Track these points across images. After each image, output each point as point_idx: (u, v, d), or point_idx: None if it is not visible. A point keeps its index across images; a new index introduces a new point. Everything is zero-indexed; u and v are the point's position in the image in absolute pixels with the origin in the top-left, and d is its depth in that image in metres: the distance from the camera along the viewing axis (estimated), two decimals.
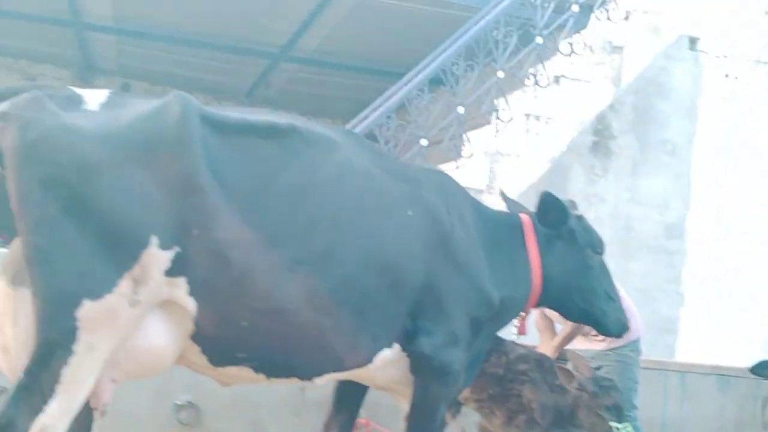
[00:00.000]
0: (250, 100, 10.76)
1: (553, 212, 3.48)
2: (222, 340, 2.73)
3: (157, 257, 2.51)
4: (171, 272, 2.54)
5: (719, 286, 6.34)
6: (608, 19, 6.28)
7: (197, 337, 2.71)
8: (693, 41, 6.53)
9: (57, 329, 2.43)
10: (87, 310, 2.43)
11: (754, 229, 6.49)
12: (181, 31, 8.94)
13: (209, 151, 2.70)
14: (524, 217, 3.56)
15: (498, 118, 5.87)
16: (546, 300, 3.56)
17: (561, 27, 6.11)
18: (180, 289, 2.59)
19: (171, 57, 9.68)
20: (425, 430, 3.24)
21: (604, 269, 3.65)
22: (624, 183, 6.25)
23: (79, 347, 2.43)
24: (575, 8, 6.16)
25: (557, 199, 3.47)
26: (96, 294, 2.44)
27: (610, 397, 3.69)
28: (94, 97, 2.68)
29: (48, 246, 2.44)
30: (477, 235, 3.32)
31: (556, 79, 6.11)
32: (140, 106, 2.73)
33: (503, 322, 3.53)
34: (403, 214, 3.06)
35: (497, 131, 5.88)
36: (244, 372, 2.89)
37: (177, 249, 2.54)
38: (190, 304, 2.60)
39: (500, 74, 5.86)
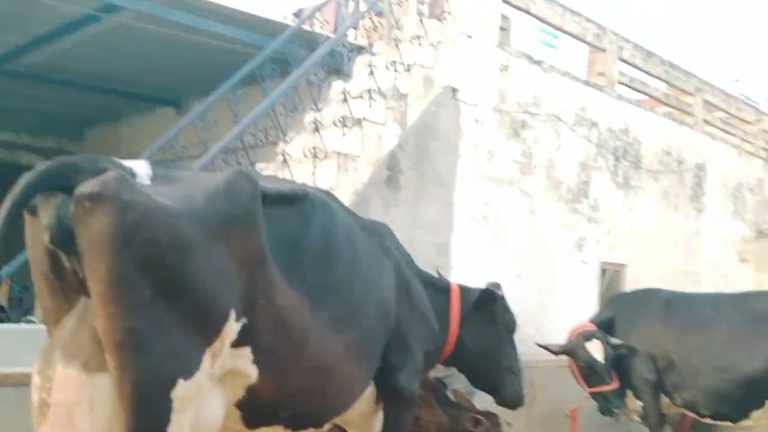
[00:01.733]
0: None
1: (487, 301, 4.35)
2: (271, 402, 3.01)
3: (231, 330, 2.74)
4: (237, 343, 2.79)
5: None
6: (395, 70, 7.29)
7: (244, 402, 2.97)
8: (454, 91, 7.84)
9: (154, 413, 2.50)
10: (182, 390, 2.54)
11: (504, 243, 8.08)
12: None
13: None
14: (455, 287, 4.37)
15: (316, 156, 6.52)
16: (455, 361, 4.38)
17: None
18: (244, 358, 2.86)
19: None
20: None
21: (513, 346, 4.56)
22: (409, 211, 7.32)
23: (173, 428, 2.54)
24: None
25: (495, 293, 4.34)
26: (189, 373, 2.57)
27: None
28: (141, 170, 2.71)
29: (143, 328, 2.46)
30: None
31: (359, 122, 6.94)
32: (203, 182, 2.85)
33: None
34: (383, 266, 3.66)
35: (314, 167, 6.53)
36: (274, 429, 3.22)
37: (244, 320, 2.78)
38: (253, 372, 2.89)
39: (318, 116, 6.55)
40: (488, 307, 4.32)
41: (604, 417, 6.85)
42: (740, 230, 12.21)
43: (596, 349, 6.08)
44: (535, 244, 8.52)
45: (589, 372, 6.14)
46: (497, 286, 4.64)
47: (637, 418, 6.97)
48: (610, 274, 9.67)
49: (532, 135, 8.67)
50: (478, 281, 5.11)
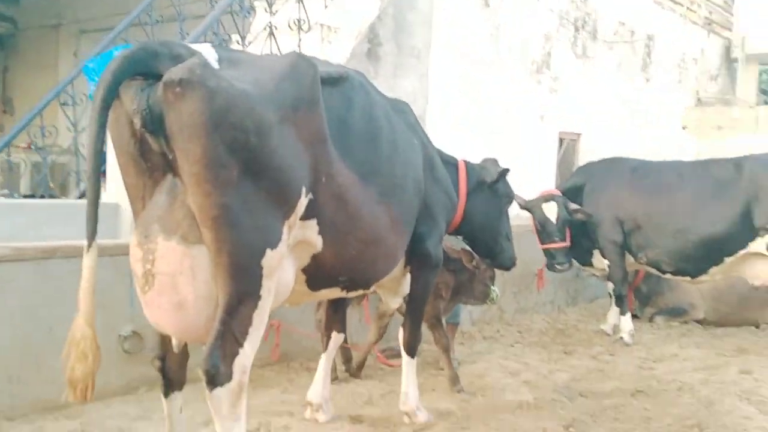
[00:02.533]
0: None
1: (492, 173, 4.61)
2: (332, 268, 3.33)
3: (302, 205, 2.99)
4: (305, 216, 3.06)
5: None
6: None
7: (309, 268, 3.27)
8: None
9: (248, 279, 2.80)
10: (269, 259, 2.84)
11: (477, 116, 8.35)
12: None
13: None
14: (461, 162, 4.61)
15: (300, 27, 6.51)
16: (461, 231, 4.68)
17: None
18: (311, 230, 3.14)
19: None
20: (422, 311, 4.27)
21: (507, 216, 4.88)
22: (388, 83, 7.40)
23: (263, 292, 2.86)
24: None
25: (506, 170, 4.60)
26: (274, 243, 2.86)
27: (491, 270, 5.07)
28: (209, 54, 2.81)
29: (235, 205, 2.68)
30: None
31: None
32: (267, 65, 2.99)
33: None
34: (413, 143, 3.90)
35: (300, 39, 6.53)
36: (333, 292, 3.55)
37: (310, 195, 3.03)
38: (319, 242, 3.18)
39: None
40: (498, 182, 4.62)
41: (567, 274, 7.50)
42: (682, 99, 12.78)
43: (551, 210, 6.69)
44: (504, 117, 8.82)
45: (542, 230, 6.76)
46: (496, 162, 4.94)
47: (597, 274, 7.64)
48: (567, 143, 10.13)
49: (500, 5, 8.76)
50: (453, 151, 5.44)
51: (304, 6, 6.50)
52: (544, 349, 6.34)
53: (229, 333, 2.75)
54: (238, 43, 6.07)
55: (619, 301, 6.85)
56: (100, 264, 4.19)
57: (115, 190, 5.33)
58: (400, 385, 4.95)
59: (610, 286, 7.12)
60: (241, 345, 2.78)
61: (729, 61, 14.08)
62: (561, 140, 9.98)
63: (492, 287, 5.09)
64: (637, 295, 7.89)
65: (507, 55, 8.84)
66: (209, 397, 2.76)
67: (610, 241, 6.76)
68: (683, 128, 12.68)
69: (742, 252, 6.20)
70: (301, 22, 6.47)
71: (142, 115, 2.64)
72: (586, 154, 9.97)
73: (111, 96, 2.60)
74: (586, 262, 7.20)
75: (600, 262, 6.99)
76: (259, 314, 2.85)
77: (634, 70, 11.40)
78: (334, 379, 4.87)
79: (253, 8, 6.19)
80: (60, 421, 3.97)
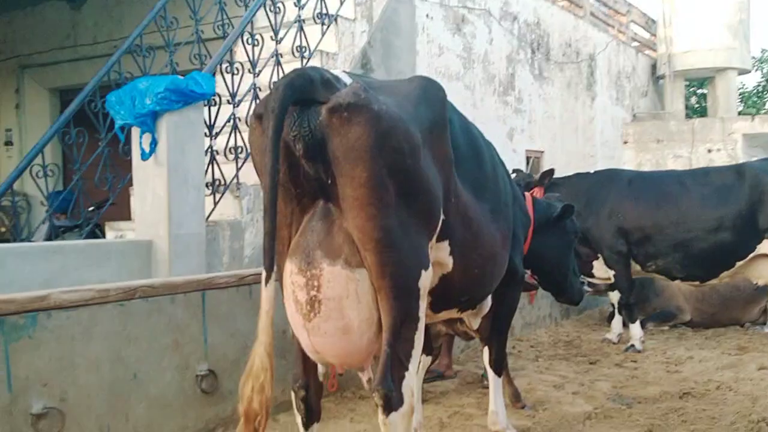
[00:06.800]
0: None
1: (568, 215, 4.67)
2: (458, 288, 3.31)
3: (438, 226, 2.98)
4: (439, 238, 3.06)
5: None
6: None
7: (437, 289, 3.23)
8: None
9: (410, 300, 2.79)
10: (424, 280, 2.86)
11: None
12: None
13: None
14: (528, 195, 4.66)
15: (303, 55, 6.45)
16: (528, 265, 4.70)
17: None
18: (444, 251, 3.14)
19: None
20: (508, 329, 4.27)
21: (573, 252, 4.95)
22: None
23: (421, 313, 2.87)
24: None
25: (574, 207, 4.67)
26: (426, 264, 2.88)
27: None
28: (346, 79, 2.79)
29: (395, 227, 2.68)
30: None
31: (335, 19, 6.89)
32: (399, 89, 2.98)
33: None
34: (495, 158, 3.89)
35: (304, 65, 6.46)
36: (450, 313, 3.52)
37: (443, 217, 3.03)
38: (450, 262, 3.17)
39: (301, 13, 6.44)
40: (567, 219, 4.70)
41: None
42: (621, 115, 13.42)
43: None
44: None
45: None
46: (560, 198, 5.07)
47: (589, 289, 7.85)
48: (533, 160, 10.42)
49: (471, 30, 8.98)
50: None
51: (304, 34, 6.45)
52: (567, 361, 6.44)
53: (396, 356, 2.71)
54: (249, 71, 5.94)
55: (628, 309, 7.05)
56: (174, 302, 4.06)
57: (146, 227, 5.09)
58: (459, 406, 4.96)
59: (613, 296, 7.32)
60: (407, 368, 2.74)
61: (656, 78, 14.89)
62: (528, 158, 10.26)
63: None
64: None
65: (477, 77, 9.05)
66: (385, 423, 2.69)
67: (615, 252, 6.96)
68: (624, 143, 13.28)
69: (751, 255, 6.53)
70: (303, 49, 6.42)
71: (304, 141, 2.57)
72: None
73: (281, 124, 2.53)
74: (586, 272, 7.38)
75: (602, 271, 7.19)
76: (419, 336, 2.82)
77: (580, 89, 11.89)
78: None
79: (261, 36, 6.08)
80: None
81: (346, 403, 4.99)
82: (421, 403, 4.97)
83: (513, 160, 9.78)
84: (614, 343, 7.17)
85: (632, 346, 6.84)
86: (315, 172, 2.64)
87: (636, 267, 7.01)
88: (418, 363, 2.83)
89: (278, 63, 6.21)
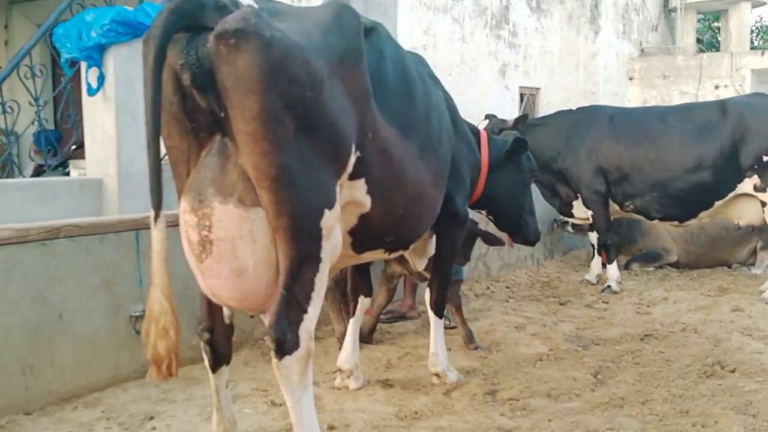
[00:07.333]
0: None
1: (520, 149, 4.48)
2: (379, 229, 3.19)
3: (351, 163, 2.84)
4: (354, 175, 2.91)
5: None
6: None
7: (356, 229, 3.12)
8: None
9: (309, 241, 2.66)
10: (327, 219, 2.71)
11: (439, 72, 8.21)
12: None
13: None
14: (483, 132, 4.47)
15: None
16: (484, 205, 4.56)
17: None
18: (359, 189, 2.99)
19: None
20: (450, 271, 4.16)
21: (530, 190, 4.76)
22: None
23: (323, 254, 2.74)
24: None
25: (527, 141, 4.47)
26: (331, 203, 2.73)
27: None
28: (253, 4, 2.59)
29: (293, 164, 2.53)
30: None
31: None
32: (310, 17, 2.80)
33: None
34: (439, 95, 3.76)
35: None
36: (376, 254, 3.41)
37: (358, 153, 2.89)
38: (367, 201, 3.04)
39: None
40: (520, 154, 4.51)
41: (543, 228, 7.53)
42: (627, 50, 12.97)
43: None
44: (467, 72, 8.73)
45: None
46: (518, 135, 4.87)
47: (571, 230, 7.72)
48: (527, 98, 10.13)
49: None
50: None
51: None
52: (538, 302, 6.35)
53: (293, 299, 2.61)
54: None
55: (606, 249, 6.91)
56: (104, 242, 4.01)
57: (96, 165, 5.01)
58: (413, 347, 4.91)
59: (592, 236, 7.18)
60: (305, 311, 2.65)
61: (668, 10, 14.33)
62: (522, 95, 9.97)
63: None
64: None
65: (467, 10, 8.73)
66: (278, 367, 2.61)
67: (593, 191, 6.79)
68: (630, 79, 12.88)
69: (731, 194, 6.32)
70: None
71: (191, 71, 2.43)
72: (545, 109, 10.00)
73: (164, 53, 2.39)
74: (566, 212, 7.24)
75: (581, 212, 7.03)
76: (320, 278, 2.71)
77: (582, 23, 11.47)
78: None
79: None
80: (80, 411, 3.72)
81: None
82: (376, 344, 4.98)
83: (505, 97, 9.54)
84: (592, 284, 7.05)
85: (608, 287, 6.72)
86: (207, 105, 2.50)
87: (615, 207, 6.84)
88: (319, 305, 2.74)
89: None
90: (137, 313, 4.10)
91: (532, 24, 10.09)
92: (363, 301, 4.15)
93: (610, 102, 11.21)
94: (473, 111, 8.67)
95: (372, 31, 3.20)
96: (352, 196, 2.96)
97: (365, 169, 2.93)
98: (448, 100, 3.96)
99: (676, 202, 6.47)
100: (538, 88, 10.33)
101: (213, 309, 2.94)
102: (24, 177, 6.32)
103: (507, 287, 6.97)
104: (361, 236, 3.16)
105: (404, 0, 7.75)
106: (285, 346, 2.59)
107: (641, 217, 7.08)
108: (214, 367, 3.00)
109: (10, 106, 5.65)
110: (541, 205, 7.56)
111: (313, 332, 2.70)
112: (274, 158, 2.48)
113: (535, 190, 7.25)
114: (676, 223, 6.73)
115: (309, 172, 2.59)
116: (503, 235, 4.92)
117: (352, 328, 4.12)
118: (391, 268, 5.02)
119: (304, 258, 2.63)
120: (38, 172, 7.58)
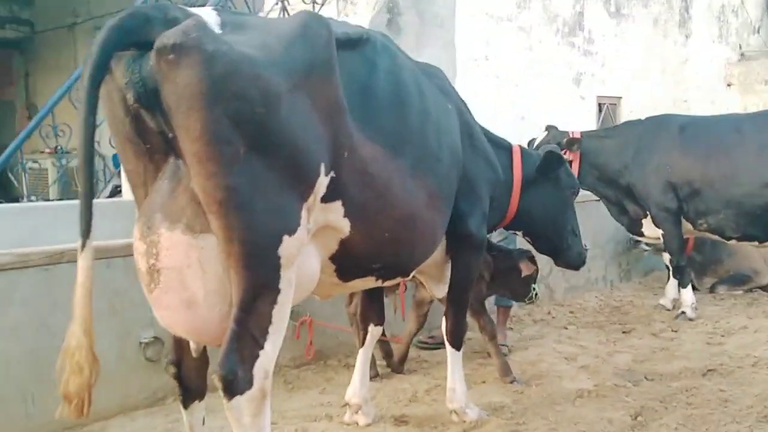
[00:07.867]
0: None
1: (554, 165, 4.14)
2: (364, 254, 2.91)
3: (321, 185, 2.59)
4: (327, 198, 2.65)
5: None
6: None
7: (338, 255, 2.85)
8: None
9: (265, 270, 2.41)
10: (287, 247, 2.45)
11: (505, 83, 7.86)
12: None
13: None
14: (516, 147, 4.15)
15: (315, 1, 6.09)
16: (519, 225, 4.22)
17: None
18: (335, 213, 2.72)
19: None
20: (466, 298, 3.82)
21: (573, 209, 4.38)
22: (411, 55, 6.91)
23: (282, 285, 2.47)
24: None
25: (562, 156, 4.13)
26: (292, 229, 2.47)
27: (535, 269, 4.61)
28: (210, 18, 2.44)
29: (244, 186, 2.32)
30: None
31: None
32: (276, 28, 2.59)
33: None
34: (448, 109, 3.45)
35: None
36: (367, 281, 3.13)
37: (332, 174, 2.62)
38: (346, 226, 2.76)
39: None
40: (554, 170, 4.15)
41: (619, 247, 7.00)
42: (725, 54, 12.08)
43: None
44: (535, 83, 8.30)
45: None
46: (556, 148, 4.49)
47: (647, 248, 7.12)
48: (606, 108, 9.56)
49: None
50: (483, 124, 4.99)
51: None
52: (600, 329, 5.85)
53: (247, 333, 2.38)
54: None
55: (678, 272, 6.32)
56: (113, 266, 3.92)
57: None
58: (444, 378, 4.57)
59: (666, 257, 6.59)
60: (261, 346, 2.41)
61: None
62: (600, 105, 9.42)
63: (534, 287, 4.63)
64: (692, 265, 7.30)
65: (535, 17, 8.31)
66: (228, 408, 2.39)
67: (662, 209, 6.22)
68: (728, 85, 11.99)
69: None
70: None
71: (135, 89, 2.28)
72: (628, 119, 9.39)
73: (100, 72, 2.24)
74: (636, 231, 6.68)
75: (652, 230, 6.46)
76: (279, 310, 2.46)
77: (670, 26, 10.76)
78: (375, 376, 4.48)
79: None
80: None
81: (325, 372, 4.74)
82: (405, 374, 4.70)
83: (581, 107, 9.03)
84: (667, 310, 6.46)
85: (683, 313, 6.13)
86: (157, 125, 2.35)
87: (688, 226, 6.24)
88: (279, 340, 2.50)
89: (284, 9, 5.90)
90: (147, 340, 3.99)
91: (611, 30, 9.53)
92: (373, 330, 3.87)
93: (706, 111, 10.43)
94: (543, 124, 8.26)
95: (362, 41, 2.96)
96: (328, 221, 2.71)
97: (341, 190, 2.68)
98: (462, 113, 3.64)
99: (754, 220, 5.81)
100: (620, 97, 9.74)
101: (180, 342, 2.76)
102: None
103: (571, 312, 6.49)
104: (345, 263, 2.90)
105: (463, 10, 7.43)
106: (234, 385, 2.37)
107: None
108: (185, 403, 2.81)
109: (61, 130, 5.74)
110: (613, 223, 7.09)
111: (270, 370, 2.46)
112: (221, 180, 2.28)
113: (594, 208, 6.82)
114: (756, 243, 6.05)
115: (263, 195, 2.37)
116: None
117: (362, 359, 3.85)
118: (420, 293, 4.72)
119: (259, 289, 2.41)
120: (114, 192, 7.75)
